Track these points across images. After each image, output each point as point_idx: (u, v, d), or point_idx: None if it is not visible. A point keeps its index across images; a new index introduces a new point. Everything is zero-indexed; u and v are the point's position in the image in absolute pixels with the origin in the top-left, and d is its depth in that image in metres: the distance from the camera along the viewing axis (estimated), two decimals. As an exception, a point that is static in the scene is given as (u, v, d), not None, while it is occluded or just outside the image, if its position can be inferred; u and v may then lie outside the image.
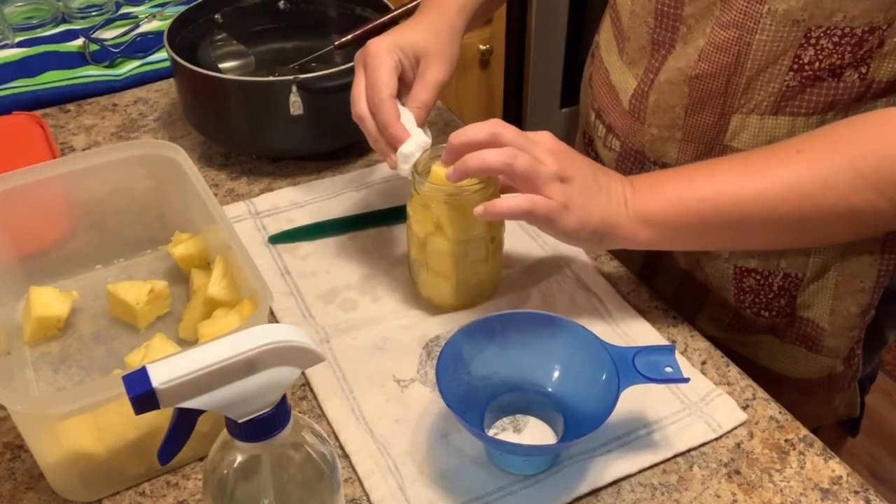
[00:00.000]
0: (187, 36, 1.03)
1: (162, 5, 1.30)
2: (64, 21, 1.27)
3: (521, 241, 0.88)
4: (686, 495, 0.66)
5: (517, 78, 2.19)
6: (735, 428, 0.71)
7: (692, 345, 0.78)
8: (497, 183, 0.73)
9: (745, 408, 0.72)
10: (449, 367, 0.67)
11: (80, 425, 0.63)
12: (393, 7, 1.03)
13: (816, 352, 0.86)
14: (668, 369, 0.66)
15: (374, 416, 0.71)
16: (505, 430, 0.70)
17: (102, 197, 0.82)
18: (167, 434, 0.47)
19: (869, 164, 0.65)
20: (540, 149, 0.69)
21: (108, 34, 1.23)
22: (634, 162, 0.88)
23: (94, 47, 1.19)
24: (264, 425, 0.47)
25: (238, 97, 0.95)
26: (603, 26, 0.93)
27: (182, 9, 1.04)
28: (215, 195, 0.88)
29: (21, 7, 1.29)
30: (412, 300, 0.82)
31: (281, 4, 1.11)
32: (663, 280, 0.93)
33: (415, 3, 0.97)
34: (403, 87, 0.79)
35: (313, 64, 1.05)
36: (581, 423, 0.65)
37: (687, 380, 0.65)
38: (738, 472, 0.68)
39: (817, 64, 0.71)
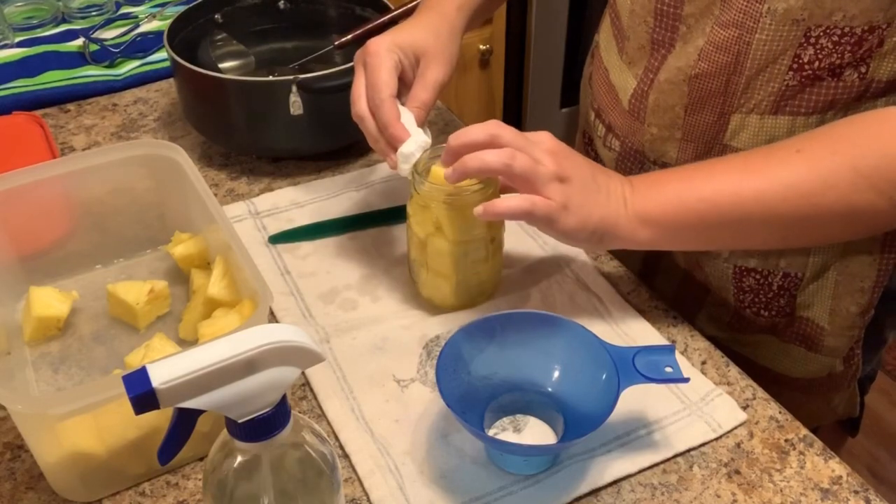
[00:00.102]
0: (187, 36, 1.03)
1: (162, 5, 1.30)
2: (64, 21, 1.27)
3: (521, 241, 0.88)
4: (686, 495, 0.66)
5: (517, 78, 2.19)
6: (735, 428, 0.71)
7: (692, 345, 0.78)
8: (497, 183, 0.73)
9: (745, 408, 0.72)
10: (449, 367, 0.67)
11: (80, 425, 0.63)
12: (393, 7, 1.03)
13: (816, 351, 0.86)
14: (668, 369, 0.66)
15: (374, 416, 0.71)
16: (505, 430, 0.70)
17: (102, 197, 0.82)
18: (167, 434, 0.47)
19: (868, 163, 0.65)
20: (539, 149, 0.69)
21: (108, 34, 1.23)
22: (634, 161, 0.88)
23: (94, 47, 1.19)
24: (264, 425, 0.47)
25: (238, 97, 0.95)
26: (603, 26, 0.93)
27: (182, 9, 1.04)
28: (215, 195, 0.88)
29: (21, 7, 1.29)
30: (412, 300, 0.82)
31: (281, 4, 1.11)
32: (663, 280, 0.93)
33: (415, 2, 0.97)
34: (403, 87, 0.79)
35: (313, 64, 1.05)
36: (581, 423, 0.65)
37: (687, 380, 0.65)
38: (738, 472, 0.68)
39: (817, 63, 0.71)
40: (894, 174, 0.65)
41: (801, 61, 0.71)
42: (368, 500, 0.65)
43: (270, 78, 0.99)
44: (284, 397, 0.48)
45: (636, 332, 0.79)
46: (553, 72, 2.19)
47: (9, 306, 0.80)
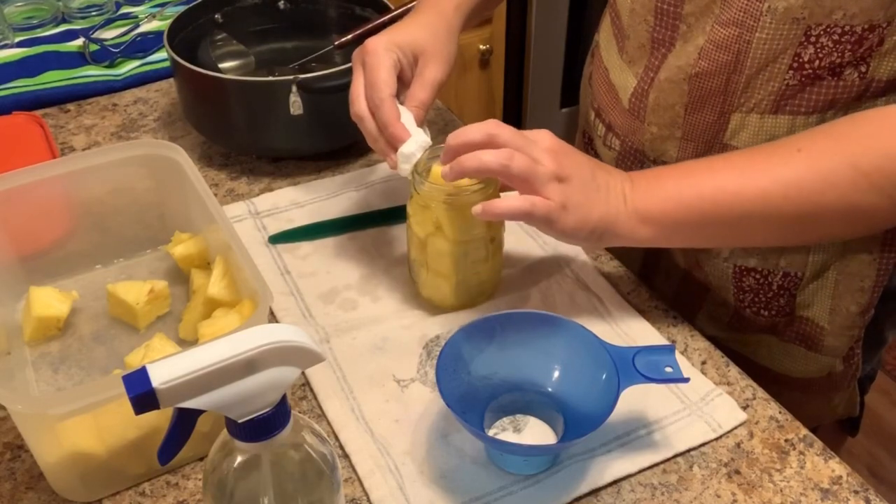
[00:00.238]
0: (187, 36, 1.03)
1: (162, 5, 1.30)
2: (64, 21, 1.27)
3: (521, 241, 0.88)
4: (686, 495, 0.66)
5: (517, 78, 2.19)
6: (735, 428, 0.71)
7: (692, 345, 0.78)
8: (497, 183, 0.73)
9: (745, 408, 0.72)
10: (449, 367, 0.67)
11: (80, 425, 0.63)
12: (393, 7, 1.03)
13: (816, 351, 0.86)
14: (668, 369, 0.66)
15: (374, 416, 0.71)
16: (505, 430, 0.70)
17: (102, 197, 0.82)
18: (167, 434, 0.47)
19: (870, 162, 0.65)
20: (538, 148, 0.69)
21: (108, 34, 1.23)
22: (634, 161, 0.88)
23: (94, 47, 1.19)
24: (264, 425, 0.47)
25: (238, 97, 0.95)
26: (603, 25, 0.93)
27: (182, 9, 1.04)
28: (215, 195, 0.88)
29: (21, 7, 1.29)
30: (412, 300, 0.82)
31: (281, 4, 1.11)
32: (663, 280, 0.93)
33: (414, 3, 0.97)
34: (401, 86, 0.79)
35: (313, 64, 1.05)
36: (581, 423, 0.65)
37: (687, 380, 0.65)
38: (738, 472, 0.68)
39: (817, 62, 0.71)
40: (895, 173, 0.65)
41: (801, 60, 0.71)
42: (368, 500, 0.65)
43: (270, 78, 0.99)
44: (284, 397, 0.48)
45: (636, 332, 0.79)
46: (553, 72, 2.19)
47: (9, 306, 0.80)
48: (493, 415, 0.70)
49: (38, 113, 1.07)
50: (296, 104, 0.92)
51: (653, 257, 0.94)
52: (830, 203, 0.67)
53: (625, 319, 0.80)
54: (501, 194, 0.75)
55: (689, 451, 0.69)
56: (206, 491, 0.51)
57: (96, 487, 0.66)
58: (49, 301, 0.77)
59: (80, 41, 1.22)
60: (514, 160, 0.67)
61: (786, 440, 0.70)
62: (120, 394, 0.50)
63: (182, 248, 0.82)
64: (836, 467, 0.68)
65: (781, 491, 0.66)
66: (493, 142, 0.68)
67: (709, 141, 0.80)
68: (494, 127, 0.69)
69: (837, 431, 1.00)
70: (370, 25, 1.01)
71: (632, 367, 0.65)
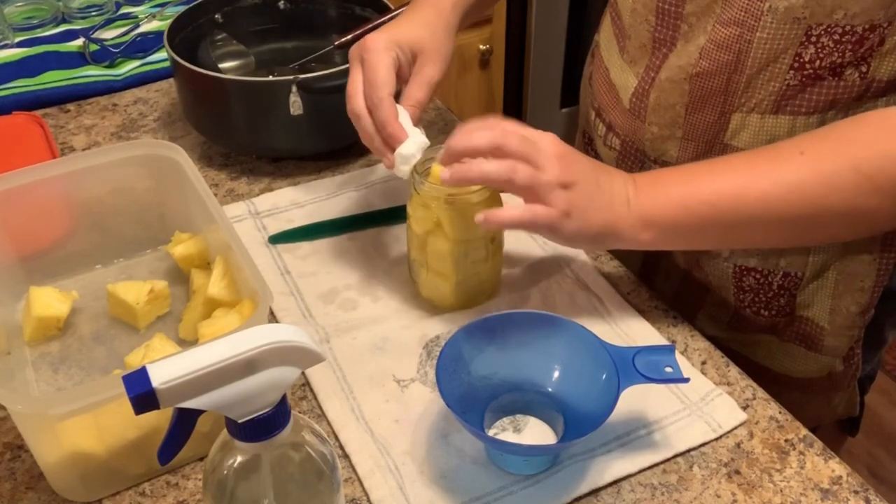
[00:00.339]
0: (187, 36, 1.03)
1: (162, 5, 1.30)
2: (64, 21, 1.27)
3: (521, 241, 0.88)
4: (686, 495, 0.66)
5: (517, 78, 2.19)
6: (735, 428, 0.71)
7: (692, 345, 0.78)
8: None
9: (745, 408, 0.72)
10: (449, 367, 0.67)
11: (80, 425, 0.63)
12: (393, 7, 1.03)
13: (816, 351, 0.86)
14: (668, 369, 0.66)
15: (374, 416, 0.71)
16: (505, 430, 0.70)
17: (102, 197, 0.82)
18: (167, 434, 0.47)
19: (872, 165, 0.65)
20: (543, 155, 0.68)
21: (108, 34, 1.23)
22: (635, 160, 0.88)
23: (94, 47, 1.19)
24: (264, 425, 0.47)
25: (238, 97, 0.95)
26: (603, 25, 0.93)
27: (182, 9, 1.04)
28: (215, 195, 0.88)
29: (21, 7, 1.29)
30: (412, 300, 0.82)
31: (281, 4, 1.11)
32: (663, 280, 0.93)
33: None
34: (398, 84, 0.79)
35: (313, 64, 1.05)
36: (581, 423, 0.65)
37: (687, 380, 0.65)
38: (738, 472, 0.68)
39: (818, 62, 0.71)
40: None
41: (802, 60, 0.71)
42: (368, 500, 0.65)
43: (270, 78, 0.99)
44: (284, 397, 0.48)
45: (636, 332, 0.79)
46: (553, 72, 2.19)
47: (9, 306, 0.80)
48: (493, 415, 0.70)
49: (38, 113, 1.07)
50: (296, 104, 0.92)
51: (653, 257, 0.94)
52: (833, 206, 0.67)
53: (625, 319, 0.80)
54: (502, 195, 0.76)
55: (689, 451, 0.69)
56: (206, 491, 0.51)
57: (96, 487, 0.66)
58: (49, 301, 0.77)
59: (80, 41, 1.22)
60: (518, 172, 0.66)
61: (786, 440, 0.70)
62: (120, 394, 0.50)
63: (182, 248, 0.82)
64: (836, 467, 0.68)
65: (781, 491, 0.66)
66: (498, 151, 0.67)
67: (709, 141, 0.80)
68: (501, 135, 0.67)
69: (837, 431, 1.00)
70: (370, 25, 1.00)
71: (632, 367, 0.65)
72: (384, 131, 0.74)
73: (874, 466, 1.86)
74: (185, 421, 0.47)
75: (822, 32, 0.69)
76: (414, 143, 0.74)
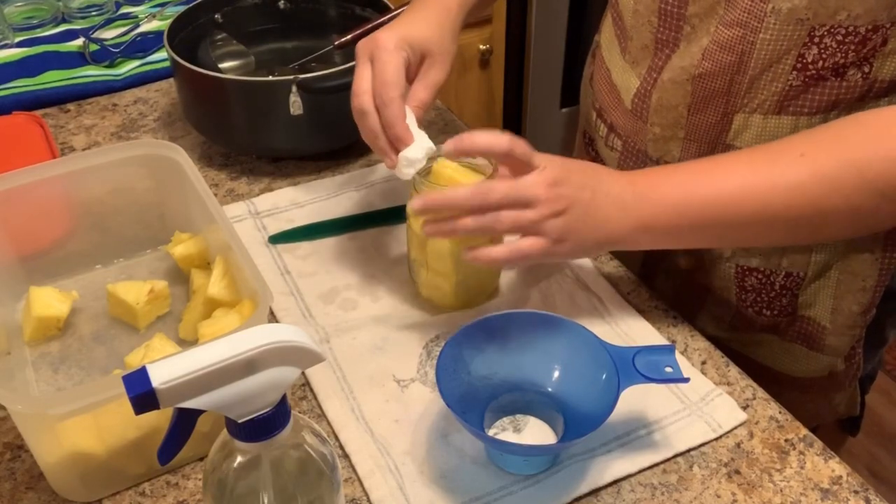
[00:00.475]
0: (187, 36, 1.03)
1: (162, 5, 1.30)
2: (64, 21, 1.27)
3: (522, 240, 0.88)
4: (686, 495, 0.66)
5: (517, 78, 2.19)
6: (735, 428, 0.71)
7: (692, 345, 0.78)
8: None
9: (745, 408, 0.72)
10: (449, 367, 0.67)
11: (80, 425, 0.63)
12: (393, 7, 1.03)
13: (818, 350, 0.86)
14: (668, 369, 0.66)
15: (374, 416, 0.71)
16: (505, 430, 0.70)
17: (102, 197, 0.82)
18: (167, 434, 0.47)
19: (874, 167, 0.65)
20: (531, 190, 0.67)
21: (108, 34, 1.23)
22: (637, 161, 0.88)
23: (94, 47, 1.19)
24: (264, 425, 0.47)
25: (238, 97, 0.95)
26: (604, 26, 0.93)
27: (182, 9, 1.04)
28: (215, 195, 0.88)
29: (21, 7, 1.29)
30: (412, 300, 0.82)
31: (281, 4, 1.11)
32: (664, 280, 0.93)
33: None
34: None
35: (313, 64, 1.05)
36: (581, 423, 0.65)
37: (687, 380, 0.65)
38: (738, 472, 0.68)
39: (821, 63, 0.71)
40: None
41: (804, 61, 0.71)
42: (368, 500, 0.65)
43: (270, 78, 0.99)
44: (284, 397, 0.48)
45: (636, 332, 0.79)
46: (553, 72, 2.19)
47: (9, 306, 0.80)
48: (493, 415, 0.70)
49: (38, 113, 1.07)
50: (296, 104, 0.92)
51: (653, 258, 0.93)
52: (833, 207, 0.67)
53: (625, 319, 0.80)
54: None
55: (689, 451, 0.69)
56: (206, 491, 0.51)
57: (96, 487, 0.66)
58: (49, 301, 0.77)
59: (80, 41, 1.22)
60: (500, 222, 0.67)
61: (786, 440, 0.70)
62: (120, 394, 0.50)
63: (182, 248, 0.82)
64: (836, 467, 0.68)
65: (781, 491, 0.66)
66: (483, 204, 0.68)
67: (712, 141, 0.80)
68: (481, 199, 0.67)
69: (838, 431, 1.00)
70: (370, 25, 1.00)
71: (632, 367, 0.65)
72: (390, 131, 0.74)
73: (874, 466, 1.86)
74: (185, 421, 0.47)
75: (826, 33, 0.69)
76: (421, 147, 0.73)
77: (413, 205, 0.70)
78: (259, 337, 0.46)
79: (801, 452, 0.69)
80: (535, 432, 0.70)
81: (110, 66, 1.17)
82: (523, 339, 0.70)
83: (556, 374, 0.70)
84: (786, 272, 0.83)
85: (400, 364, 0.76)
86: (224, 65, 1.05)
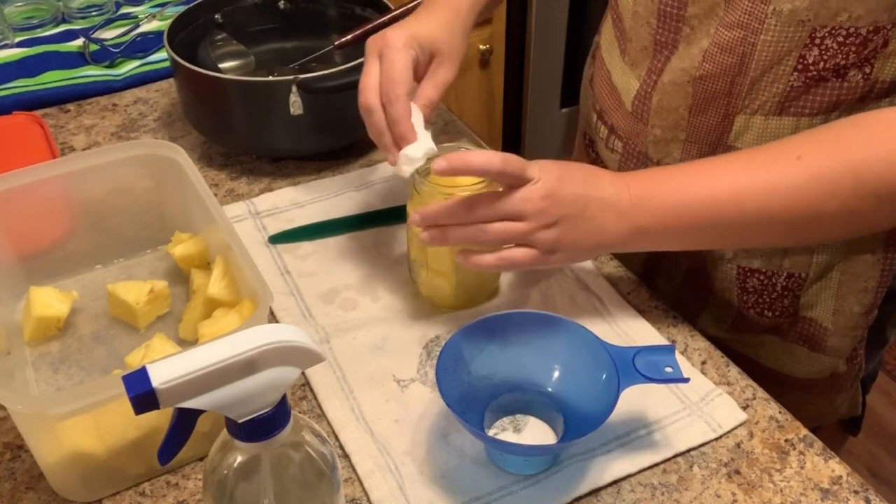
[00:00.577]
0: (187, 36, 1.03)
1: (162, 5, 1.30)
2: (64, 21, 1.27)
3: (522, 241, 0.88)
4: (686, 495, 0.66)
5: (517, 78, 2.19)
6: (735, 428, 0.71)
7: (692, 345, 0.78)
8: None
9: (745, 408, 0.72)
10: (449, 367, 0.67)
11: (80, 425, 0.63)
12: (393, 7, 1.03)
13: (819, 351, 0.86)
14: (668, 369, 0.66)
15: (374, 416, 0.71)
16: (505, 430, 0.70)
17: (102, 197, 0.82)
18: (167, 434, 0.47)
19: (872, 169, 0.65)
20: (524, 204, 0.68)
21: (108, 34, 1.23)
22: (637, 163, 0.88)
23: (94, 47, 1.19)
24: (264, 425, 0.47)
25: (238, 97, 0.95)
26: (604, 27, 0.93)
27: (182, 9, 1.04)
28: (215, 195, 0.88)
29: (21, 7, 1.29)
30: (412, 300, 0.82)
31: (281, 4, 1.11)
32: (665, 281, 0.93)
33: (415, 3, 0.97)
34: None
35: (313, 64, 1.05)
36: (581, 423, 0.65)
37: (687, 380, 0.65)
38: (738, 472, 0.68)
39: (822, 64, 0.71)
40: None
41: (805, 62, 0.71)
42: (368, 500, 0.65)
43: (270, 78, 0.99)
44: (284, 397, 0.48)
45: (636, 332, 0.79)
46: (553, 72, 2.19)
47: (9, 306, 0.80)
48: (493, 415, 0.70)
49: (38, 113, 1.07)
50: (296, 104, 0.92)
51: (654, 259, 0.93)
52: (831, 209, 0.67)
53: (625, 319, 0.80)
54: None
55: (689, 451, 0.69)
56: (206, 491, 0.51)
57: (96, 487, 0.66)
58: (49, 301, 0.77)
59: (80, 41, 1.22)
60: (488, 234, 0.68)
61: (786, 440, 0.70)
62: (120, 394, 0.50)
63: (182, 248, 0.82)
64: (836, 467, 0.68)
65: (781, 491, 0.66)
66: (474, 217, 0.69)
67: (713, 143, 0.80)
68: (474, 206, 0.69)
69: (838, 431, 1.00)
70: (370, 25, 1.00)
71: (632, 367, 0.65)
72: (395, 129, 0.73)
73: (874, 466, 1.86)
74: (185, 421, 0.47)
75: (826, 35, 0.69)
76: (422, 147, 0.73)
77: (412, 220, 0.71)
78: (259, 337, 0.46)
79: (801, 452, 0.69)
80: (535, 432, 0.70)
81: (110, 66, 1.17)
82: (523, 339, 0.70)
83: (556, 374, 0.70)
84: (787, 273, 0.83)
85: (400, 364, 0.76)
86: (224, 65, 1.05)
